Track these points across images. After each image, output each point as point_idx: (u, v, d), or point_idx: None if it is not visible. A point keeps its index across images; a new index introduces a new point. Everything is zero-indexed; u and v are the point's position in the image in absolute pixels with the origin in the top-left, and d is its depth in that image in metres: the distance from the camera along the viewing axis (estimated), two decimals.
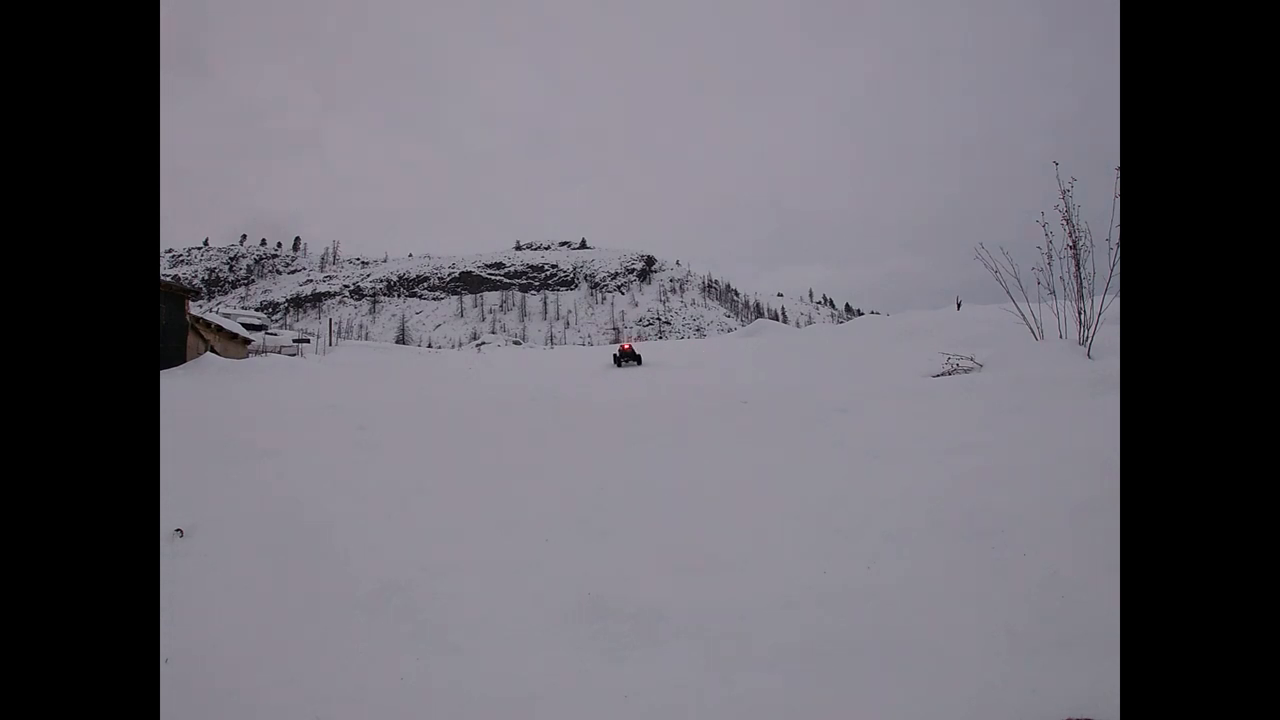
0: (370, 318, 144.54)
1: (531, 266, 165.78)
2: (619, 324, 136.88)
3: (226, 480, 4.33)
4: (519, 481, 4.09)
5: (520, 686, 2.05)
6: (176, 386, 9.32)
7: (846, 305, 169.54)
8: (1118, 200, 6.07)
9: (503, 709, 1.95)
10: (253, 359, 15.53)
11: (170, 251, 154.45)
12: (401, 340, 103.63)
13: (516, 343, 79.74)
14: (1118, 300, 6.19)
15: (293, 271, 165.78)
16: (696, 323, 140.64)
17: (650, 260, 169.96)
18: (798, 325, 53.96)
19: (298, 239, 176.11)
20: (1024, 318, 7.31)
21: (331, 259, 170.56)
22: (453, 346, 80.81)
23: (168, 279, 14.26)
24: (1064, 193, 6.89)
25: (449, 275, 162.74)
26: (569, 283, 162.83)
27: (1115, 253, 6.33)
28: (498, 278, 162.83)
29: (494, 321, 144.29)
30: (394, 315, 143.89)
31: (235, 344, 16.60)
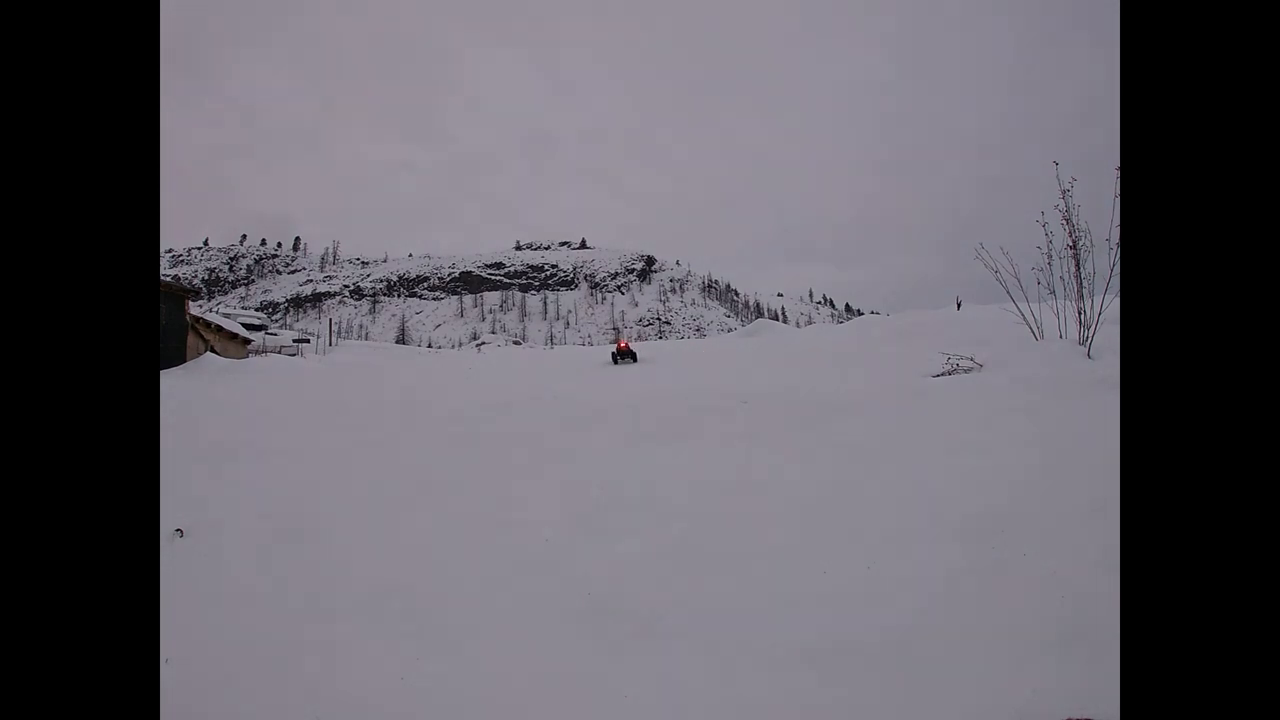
0: (370, 318, 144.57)
1: (531, 266, 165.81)
2: (619, 324, 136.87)
3: (226, 480, 4.33)
4: (519, 481, 4.09)
5: (520, 686, 2.05)
6: (176, 386, 9.32)
7: (846, 305, 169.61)
8: (1118, 200, 6.07)
9: (503, 709, 1.95)
10: (253, 359, 15.52)
11: (170, 251, 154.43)
12: (401, 340, 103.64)
13: (516, 343, 79.73)
14: (1118, 300, 6.19)
15: (293, 271, 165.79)
16: (696, 323, 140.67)
17: (650, 260, 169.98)
18: (798, 325, 53.96)
19: (298, 239, 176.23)
20: (1024, 318, 7.30)
21: (331, 259, 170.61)
22: (453, 346, 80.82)
23: (168, 279, 14.26)
24: (1064, 193, 6.89)
25: (449, 275, 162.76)
26: (569, 283, 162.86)
27: (1115, 253, 6.33)
28: (498, 278, 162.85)
29: (494, 321, 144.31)
30: (394, 315, 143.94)
31: (235, 344, 16.60)
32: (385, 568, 2.91)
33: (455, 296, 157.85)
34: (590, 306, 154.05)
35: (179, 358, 13.01)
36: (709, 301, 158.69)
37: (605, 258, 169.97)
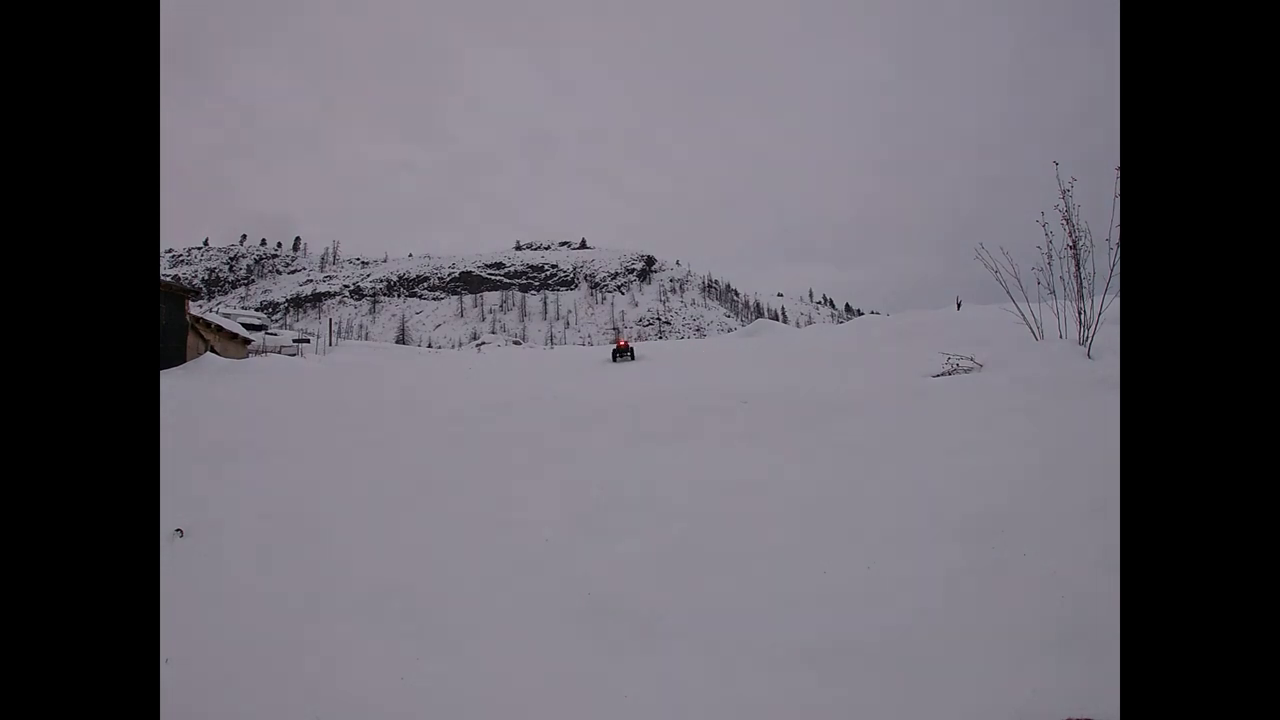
0: (370, 318, 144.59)
1: (531, 266, 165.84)
2: (619, 324, 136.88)
3: (226, 480, 4.33)
4: (519, 481, 4.09)
5: (520, 686, 2.05)
6: (176, 386, 9.32)
7: (846, 305, 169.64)
8: (1118, 200, 6.07)
9: (503, 709, 1.95)
10: (252, 359, 15.53)
11: (170, 251, 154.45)
12: (401, 340, 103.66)
13: (516, 343, 79.73)
14: (1118, 300, 6.19)
15: (293, 271, 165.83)
16: (696, 323, 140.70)
17: (650, 260, 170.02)
18: (798, 325, 53.96)
19: (298, 239, 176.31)
20: (1024, 318, 7.30)
21: (331, 259, 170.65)
22: (453, 346, 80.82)
23: (168, 279, 14.26)
24: (1064, 193, 6.88)
25: (449, 275, 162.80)
26: (569, 283, 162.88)
27: (1115, 253, 6.33)
28: (498, 278, 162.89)
29: (494, 321, 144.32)
30: (394, 315, 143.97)
31: (235, 344, 16.61)
32: (385, 568, 2.91)
33: (455, 296, 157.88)
34: (590, 306, 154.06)
35: (179, 358, 13.01)
36: (709, 301, 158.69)
37: (605, 258, 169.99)
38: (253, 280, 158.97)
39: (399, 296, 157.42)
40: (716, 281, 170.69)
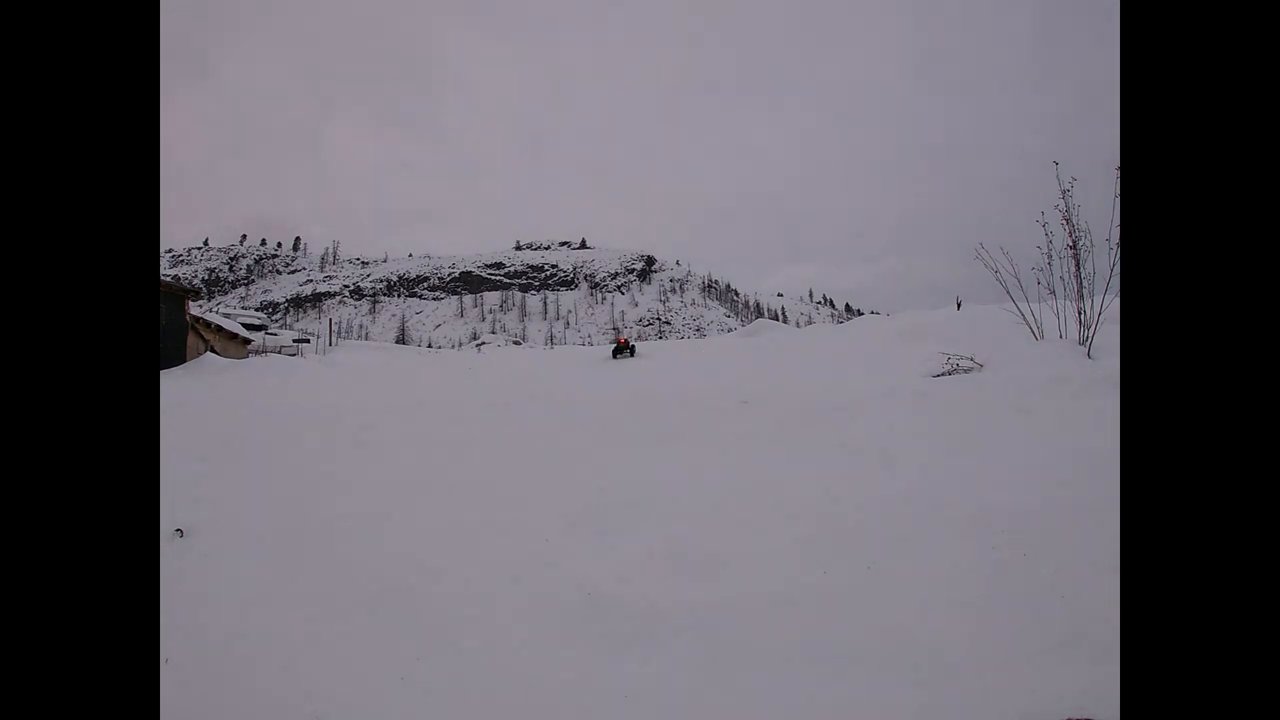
0: (370, 318, 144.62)
1: (531, 266, 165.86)
2: (619, 324, 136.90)
3: (226, 480, 4.33)
4: (518, 481, 4.09)
5: (520, 686, 2.05)
6: (176, 386, 9.32)
7: (846, 305, 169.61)
8: (1118, 200, 6.07)
9: (503, 709, 1.96)
10: (252, 359, 15.54)
11: (170, 251, 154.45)
12: (401, 340, 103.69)
13: (516, 343, 79.72)
14: (1118, 300, 6.19)
15: (293, 271, 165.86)
16: (696, 323, 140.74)
17: (650, 260, 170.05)
18: (798, 325, 53.97)
19: (298, 239, 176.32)
20: (1024, 318, 7.30)
21: (331, 259, 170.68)
22: (453, 346, 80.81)
23: (168, 279, 14.26)
24: (1064, 193, 6.89)
25: (449, 275, 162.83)
26: (569, 283, 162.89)
27: (1115, 253, 6.33)
28: (498, 278, 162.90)
29: (494, 321, 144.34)
30: (394, 315, 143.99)
31: (235, 344, 16.61)
32: (385, 567, 2.91)
33: (455, 296, 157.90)
34: (590, 306, 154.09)
35: (179, 358, 13.02)
36: (709, 301, 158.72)
37: (605, 258, 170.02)
38: (253, 280, 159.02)
39: (399, 296, 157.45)
40: (716, 281, 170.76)
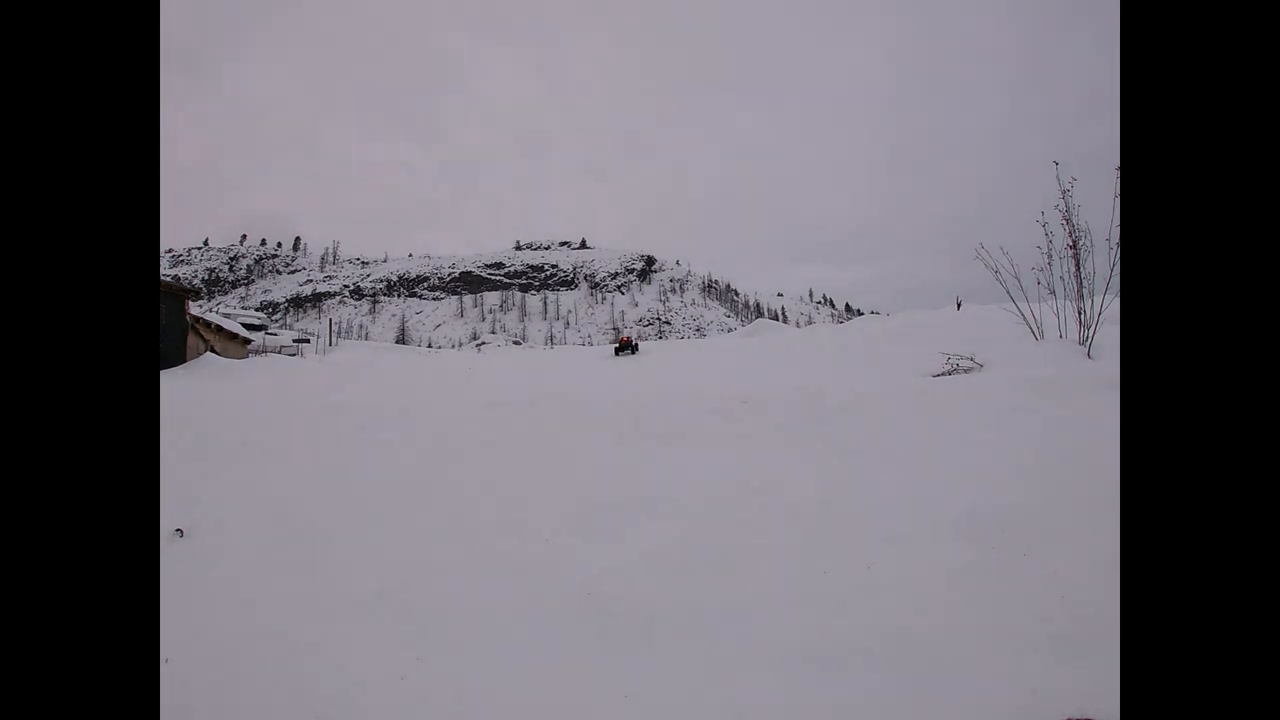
0: (370, 318, 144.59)
1: (531, 266, 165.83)
2: (619, 324, 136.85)
3: (226, 480, 4.33)
4: (518, 481, 4.09)
5: (520, 686, 2.05)
6: (176, 386, 9.32)
7: (846, 305, 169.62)
8: (1118, 200, 6.07)
9: (503, 709, 1.95)
10: (253, 359, 15.54)
11: (170, 251, 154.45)
12: (401, 340, 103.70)
13: (516, 343, 79.74)
14: (1118, 300, 6.18)
15: (293, 271, 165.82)
16: (696, 323, 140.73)
17: (650, 260, 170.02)
18: (798, 325, 53.96)
19: (298, 239, 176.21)
20: (1024, 318, 7.30)
21: (331, 259, 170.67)
22: (453, 346, 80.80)
23: (168, 279, 14.26)
24: (1064, 193, 6.89)
25: (449, 275, 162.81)
26: (569, 283, 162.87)
27: (1115, 253, 6.34)
28: (498, 278, 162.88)
29: (494, 321, 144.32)
30: (394, 315, 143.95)
31: (235, 344, 16.61)
32: (386, 567, 2.91)
33: (455, 296, 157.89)
34: (590, 306, 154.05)
35: (179, 358, 13.01)
36: (709, 301, 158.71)
37: (605, 258, 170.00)
38: (253, 280, 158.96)
39: (399, 296, 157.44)
40: (716, 281, 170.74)
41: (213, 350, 14.95)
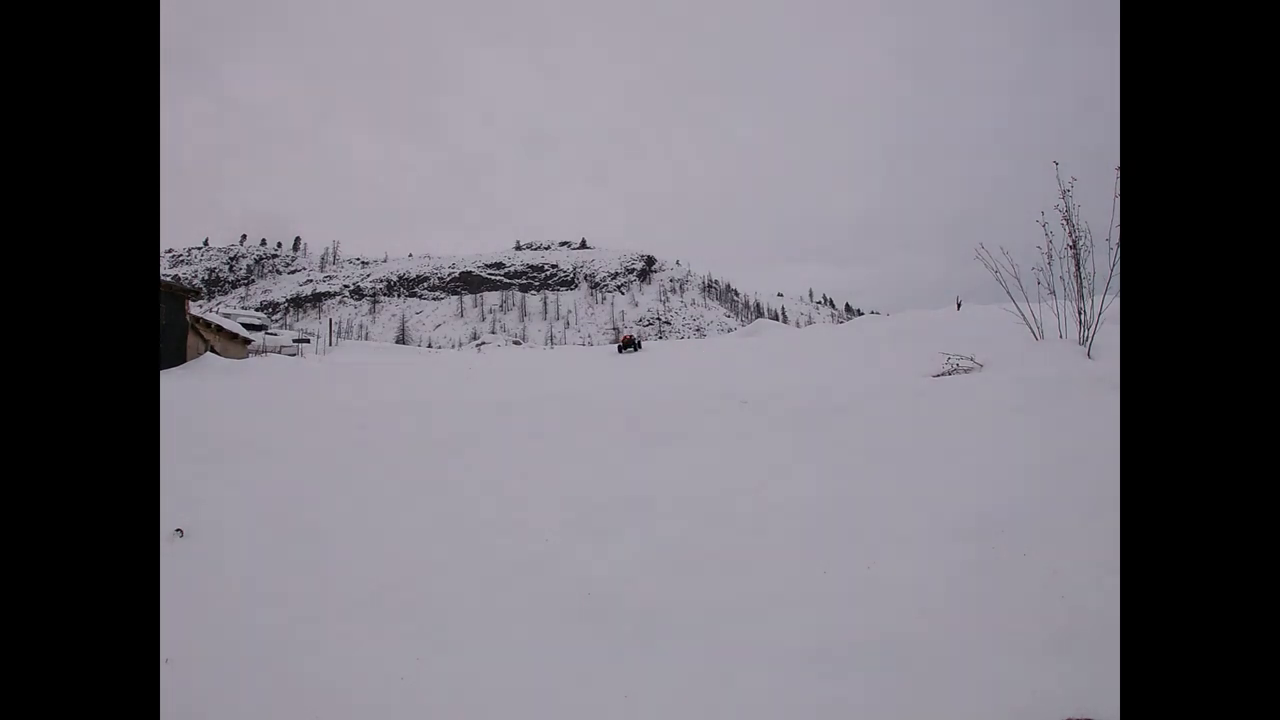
0: (370, 318, 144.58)
1: (531, 266, 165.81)
2: (619, 324, 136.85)
3: (226, 480, 4.33)
4: (518, 481, 4.09)
5: (520, 686, 2.05)
6: (176, 386, 9.32)
7: (846, 305, 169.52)
8: (1118, 200, 6.07)
9: (503, 709, 1.95)
10: (253, 359, 15.54)
11: (170, 251, 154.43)
12: (401, 340, 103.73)
13: (517, 343, 79.77)
14: (1118, 300, 6.18)
15: (293, 271, 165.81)
16: (696, 323, 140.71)
17: (650, 260, 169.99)
18: (798, 325, 53.99)
19: (298, 239, 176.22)
20: (1024, 318, 7.30)
21: (331, 259, 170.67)
22: (453, 346, 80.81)
23: (168, 279, 14.26)
24: (1064, 193, 6.89)
25: (449, 275, 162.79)
26: (569, 283, 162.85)
27: (1115, 253, 6.33)
28: (498, 278, 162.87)
29: (494, 321, 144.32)
30: (394, 315, 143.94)
31: (235, 344, 16.61)
32: (385, 567, 2.91)
33: (455, 296, 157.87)
34: (590, 306, 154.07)
35: (179, 358, 13.01)
36: (709, 301, 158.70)
37: (605, 258, 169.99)
38: (253, 280, 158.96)
39: (399, 296, 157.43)
40: (716, 281, 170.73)
41: (213, 350, 14.95)
